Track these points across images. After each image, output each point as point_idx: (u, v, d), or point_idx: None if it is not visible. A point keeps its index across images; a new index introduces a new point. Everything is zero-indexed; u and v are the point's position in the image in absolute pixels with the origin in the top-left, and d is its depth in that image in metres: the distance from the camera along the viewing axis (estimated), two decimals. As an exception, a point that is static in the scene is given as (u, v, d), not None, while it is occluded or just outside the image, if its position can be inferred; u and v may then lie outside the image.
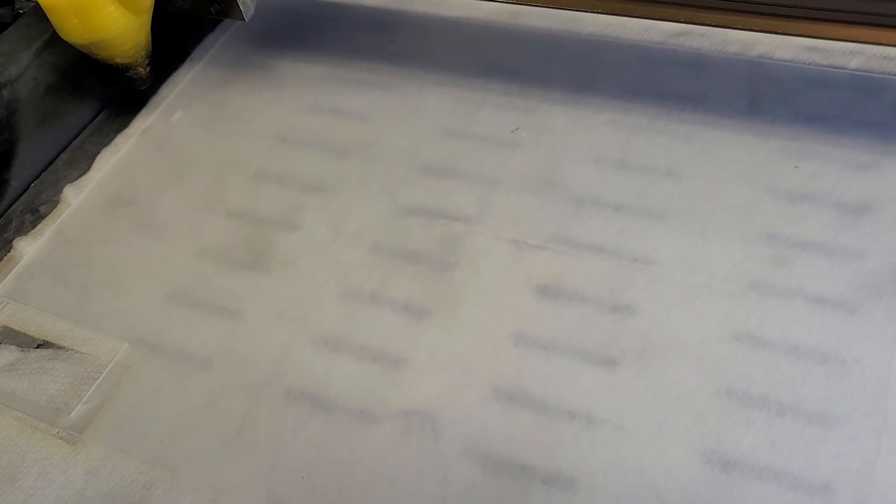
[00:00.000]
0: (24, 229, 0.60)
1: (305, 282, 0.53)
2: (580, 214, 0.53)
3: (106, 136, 0.65)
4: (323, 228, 0.55)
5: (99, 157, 0.63)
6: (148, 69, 0.64)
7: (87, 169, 0.63)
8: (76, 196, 0.61)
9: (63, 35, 0.58)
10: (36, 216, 0.60)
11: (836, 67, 0.57)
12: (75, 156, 0.64)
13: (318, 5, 0.71)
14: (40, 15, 0.60)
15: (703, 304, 0.47)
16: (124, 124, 0.65)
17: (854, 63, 0.57)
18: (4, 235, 0.59)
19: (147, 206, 0.59)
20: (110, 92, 0.67)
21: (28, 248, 0.58)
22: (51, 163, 0.63)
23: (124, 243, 0.57)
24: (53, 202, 0.61)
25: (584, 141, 0.57)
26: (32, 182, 0.63)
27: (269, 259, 0.54)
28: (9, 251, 0.58)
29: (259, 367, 0.49)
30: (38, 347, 0.53)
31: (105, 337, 0.52)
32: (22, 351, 0.53)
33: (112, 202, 0.60)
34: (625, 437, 0.43)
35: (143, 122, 0.65)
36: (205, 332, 0.51)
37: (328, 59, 0.67)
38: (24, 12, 0.64)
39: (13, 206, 0.61)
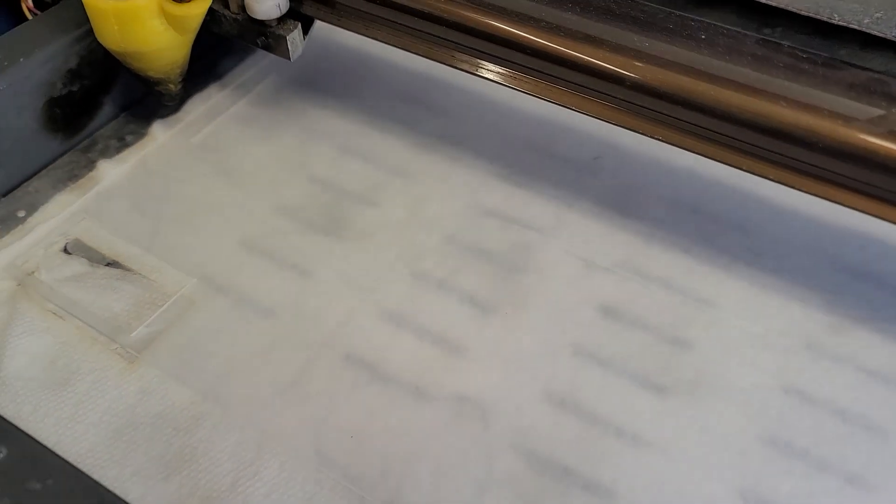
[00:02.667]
0: (108, 153, 0.61)
1: (378, 256, 0.54)
2: (650, 247, 0.54)
3: (202, 83, 0.67)
4: (401, 211, 0.57)
5: (190, 100, 0.65)
6: (179, 87, 0.61)
7: (178, 110, 0.64)
8: (164, 133, 0.63)
9: (100, 38, 0.56)
10: (122, 143, 0.62)
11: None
12: (168, 96, 0.66)
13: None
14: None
15: (757, 352, 0.49)
16: (220, 76, 0.67)
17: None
18: (89, 155, 0.61)
19: (231, 156, 0.61)
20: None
21: (111, 171, 0.60)
22: (143, 97, 0.65)
23: (204, 185, 0.59)
24: (140, 134, 0.63)
25: (663, 180, 0.59)
26: (123, 112, 0.64)
27: (346, 228, 0.56)
28: (91, 170, 0.60)
29: (322, 327, 0.50)
30: (107, 265, 0.54)
31: (174, 269, 0.54)
32: (91, 265, 0.54)
33: (197, 146, 0.62)
34: (668, 462, 0.44)
35: (239, 77, 0.67)
36: (272, 283, 0.53)
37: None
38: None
39: (101, 130, 0.63)
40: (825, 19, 0.66)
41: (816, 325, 0.50)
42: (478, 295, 0.52)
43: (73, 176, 0.60)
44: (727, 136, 0.45)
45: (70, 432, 0.45)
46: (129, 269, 0.54)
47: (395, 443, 0.45)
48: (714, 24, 0.46)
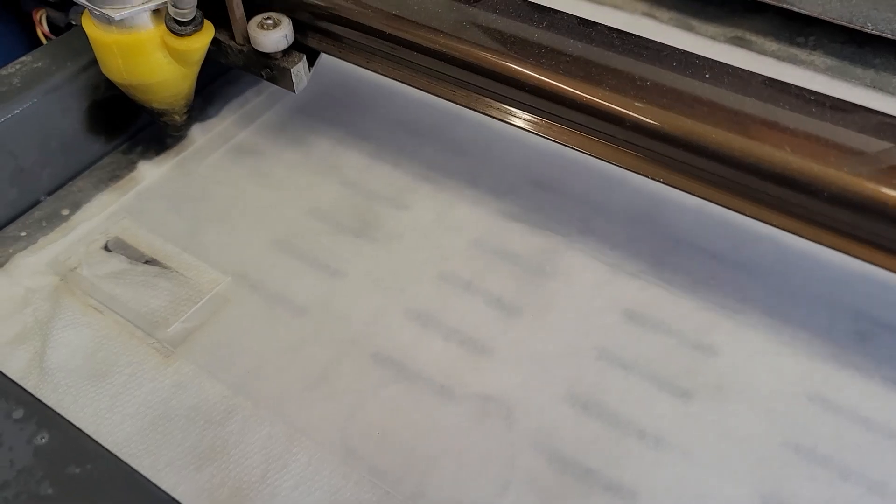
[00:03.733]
0: (148, 155, 0.63)
1: (406, 257, 0.55)
2: (677, 254, 0.55)
3: (238, 86, 0.68)
4: (429, 214, 0.58)
5: (228, 105, 0.67)
6: (185, 117, 0.61)
7: (216, 115, 0.66)
8: (202, 136, 0.65)
9: (104, 71, 0.56)
10: (161, 146, 0.64)
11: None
12: (206, 100, 0.67)
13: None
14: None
15: (783, 360, 0.49)
16: (258, 81, 0.69)
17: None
18: (130, 156, 0.63)
19: (266, 159, 0.63)
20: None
21: (150, 172, 0.62)
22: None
23: (240, 187, 0.61)
24: (179, 136, 0.64)
25: (690, 188, 0.59)
26: (163, 115, 0.66)
27: (376, 230, 0.57)
28: (132, 171, 0.62)
29: (351, 325, 0.52)
30: (145, 263, 0.56)
31: (209, 267, 0.55)
32: (130, 263, 0.56)
33: (233, 149, 0.64)
34: (689, 465, 0.45)
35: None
36: (304, 283, 0.54)
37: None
38: (76, 24, 0.62)
39: (142, 133, 0.65)
40: (859, 28, 0.66)
41: (842, 333, 0.50)
42: (504, 297, 0.53)
43: (114, 176, 0.62)
44: (729, 180, 0.43)
45: (108, 422, 0.47)
46: (166, 267, 0.55)
47: (420, 439, 0.46)
48: (720, 63, 0.44)
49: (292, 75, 0.55)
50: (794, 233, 0.42)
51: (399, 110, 0.66)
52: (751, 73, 0.43)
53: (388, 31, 0.50)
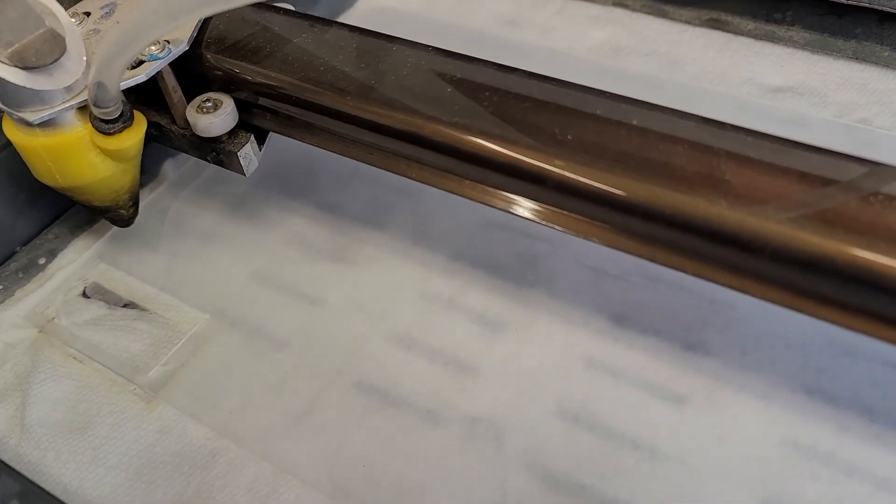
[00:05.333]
0: (122, 195, 0.62)
1: (386, 279, 0.54)
2: (662, 251, 0.53)
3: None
4: (407, 230, 0.57)
5: (200, 136, 0.66)
6: (131, 210, 0.54)
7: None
8: (174, 171, 0.64)
9: (36, 176, 0.50)
10: (135, 184, 0.63)
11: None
12: (178, 132, 0.67)
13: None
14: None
15: (777, 354, 0.47)
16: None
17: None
18: (104, 198, 0.62)
19: (239, 187, 0.62)
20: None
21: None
22: (150, 139, 0.66)
23: (214, 220, 0.60)
24: (153, 173, 0.64)
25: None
26: (135, 151, 0.65)
27: (354, 253, 0.56)
28: (106, 213, 0.61)
29: (333, 355, 0.50)
30: (124, 307, 0.55)
31: (188, 306, 0.54)
32: (109, 308, 0.55)
33: (206, 181, 0.63)
34: (687, 473, 0.43)
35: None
36: (284, 314, 0.53)
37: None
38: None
39: (115, 172, 0.64)
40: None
41: (838, 320, 0.48)
42: (487, 312, 0.52)
43: (89, 220, 0.61)
44: (664, 238, 0.39)
45: (91, 476, 0.46)
46: (144, 309, 0.55)
47: (408, 469, 0.45)
48: (649, 105, 0.40)
49: (240, 158, 0.50)
50: (741, 291, 0.38)
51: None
52: (682, 113, 0.39)
53: (331, 105, 0.46)
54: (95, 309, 0.55)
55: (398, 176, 0.59)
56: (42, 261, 0.58)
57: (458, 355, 0.50)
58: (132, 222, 0.56)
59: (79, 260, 0.58)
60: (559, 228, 0.42)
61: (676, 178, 0.37)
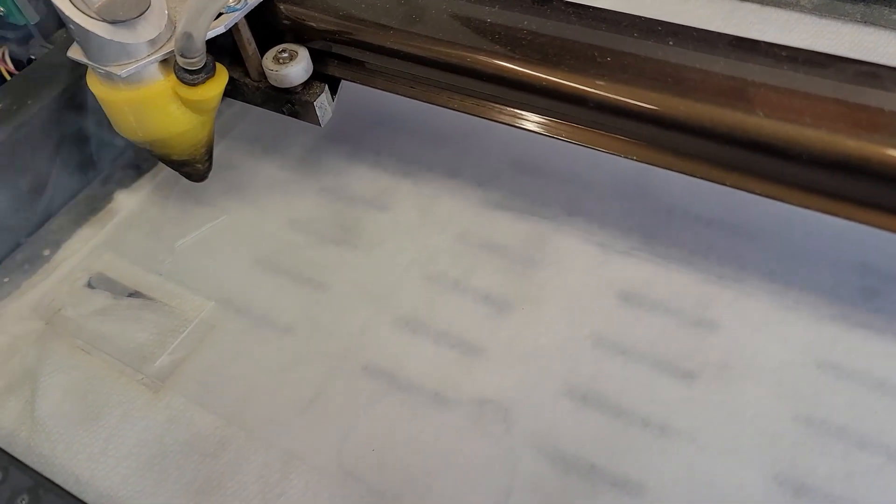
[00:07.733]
0: (125, 182, 0.62)
1: (391, 262, 0.54)
2: (670, 225, 0.53)
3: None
4: (412, 213, 0.56)
5: (200, 121, 0.65)
6: (207, 164, 0.56)
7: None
8: (176, 157, 0.63)
9: (117, 129, 0.52)
10: (137, 171, 0.63)
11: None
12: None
13: None
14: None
15: (788, 327, 0.47)
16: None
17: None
18: (107, 187, 0.62)
19: (241, 172, 0.61)
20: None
21: (128, 200, 0.61)
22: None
23: (218, 205, 0.59)
24: (153, 160, 0.63)
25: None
26: (136, 139, 0.65)
27: (358, 236, 0.55)
28: (110, 202, 0.61)
29: (339, 340, 0.50)
30: (129, 296, 0.55)
31: (192, 294, 0.54)
32: (114, 298, 0.55)
33: (209, 166, 0.62)
34: (697, 450, 0.43)
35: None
36: (289, 300, 0.53)
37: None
38: (35, 58, 0.61)
39: (118, 160, 0.64)
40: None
41: (849, 291, 0.48)
42: (493, 293, 0.51)
43: (93, 209, 0.61)
44: (703, 151, 0.40)
45: (102, 466, 0.46)
46: (150, 298, 0.54)
47: (417, 453, 0.45)
48: (683, 27, 0.41)
49: (316, 108, 0.50)
50: (779, 199, 0.40)
51: (373, 107, 0.64)
52: (717, 34, 0.40)
53: (405, 49, 0.46)
54: (101, 299, 0.55)
55: (400, 156, 0.58)
56: (47, 252, 0.58)
57: (464, 337, 0.49)
58: (206, 177, 0.57)
59: (83, 250, 0.58)
60: (600, 149, 0.43)
61: (714, 93, 0.39)
